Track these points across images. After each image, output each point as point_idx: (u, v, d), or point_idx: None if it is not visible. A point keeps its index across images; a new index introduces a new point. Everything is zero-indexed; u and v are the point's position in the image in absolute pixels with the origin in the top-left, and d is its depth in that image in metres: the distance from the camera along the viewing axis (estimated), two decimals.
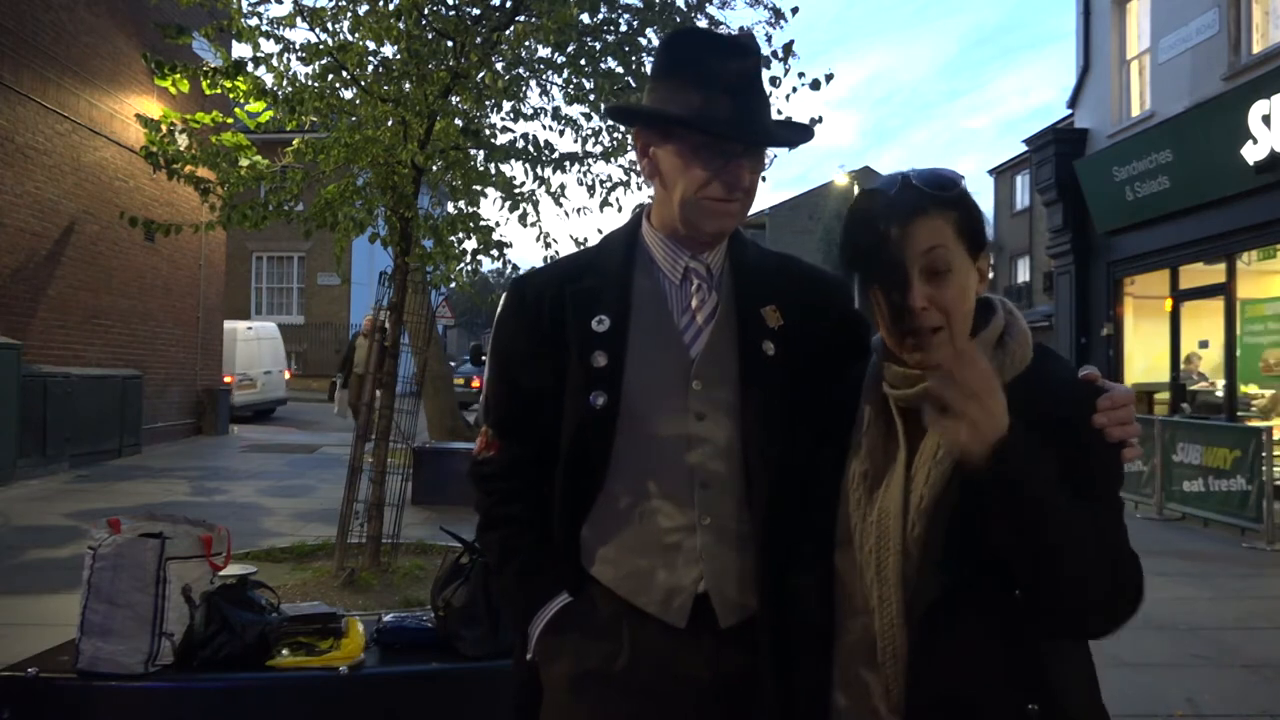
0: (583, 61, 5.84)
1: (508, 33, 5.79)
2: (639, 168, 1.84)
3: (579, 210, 6.43)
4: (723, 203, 1.51)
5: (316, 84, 5.75)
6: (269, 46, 5.77)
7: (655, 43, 5.97)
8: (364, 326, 14.22)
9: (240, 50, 7.22)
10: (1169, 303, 13.31)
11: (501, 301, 1.72)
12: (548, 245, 6.33)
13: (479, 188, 5.97)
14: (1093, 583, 1.24)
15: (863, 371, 1.48)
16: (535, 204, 5.99)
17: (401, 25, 5.58)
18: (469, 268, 6.24)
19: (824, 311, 1.60)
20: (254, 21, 5.79)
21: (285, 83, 5.81)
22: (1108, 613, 1.28)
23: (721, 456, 1.51)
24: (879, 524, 1.36)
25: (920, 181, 1.35)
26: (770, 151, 1.78)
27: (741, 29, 5.94)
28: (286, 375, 20.14)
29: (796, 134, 1.66)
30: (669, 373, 1.54)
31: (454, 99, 5.70)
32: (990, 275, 1.43)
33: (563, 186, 6.13)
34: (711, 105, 1.47)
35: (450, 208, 6.43)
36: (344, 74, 5.73)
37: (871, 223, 1.35)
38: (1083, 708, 1.33)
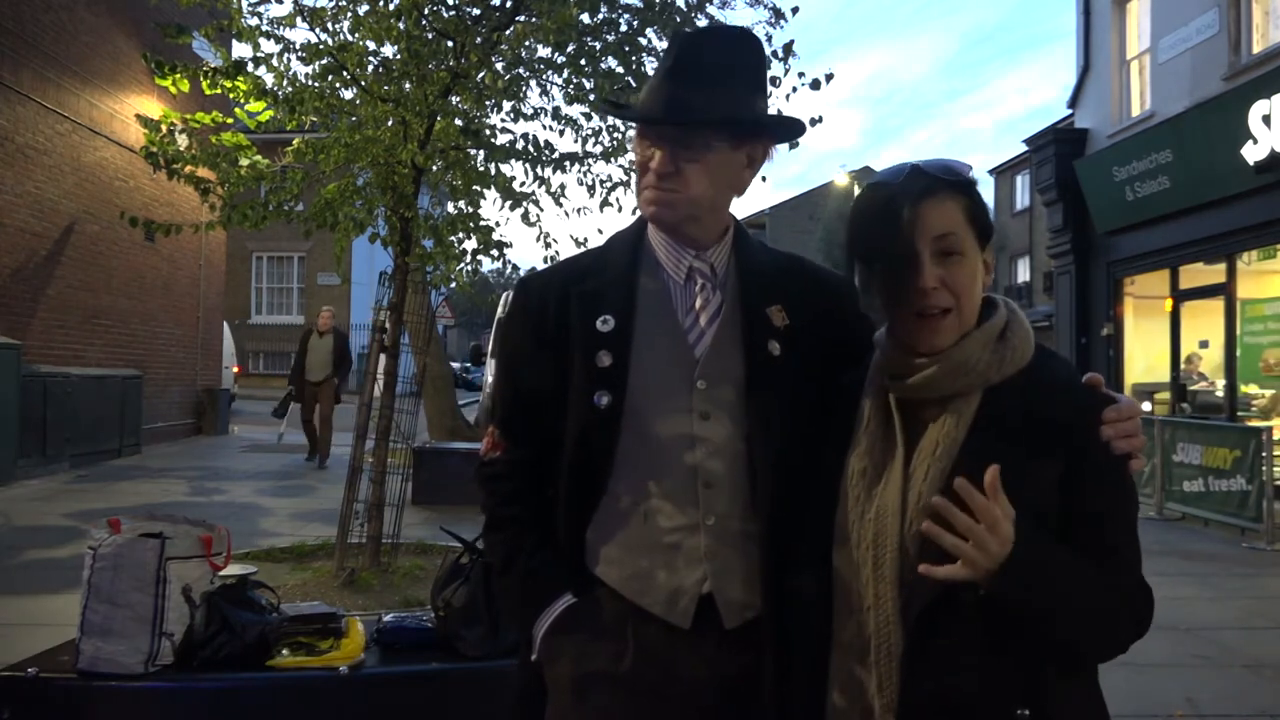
0: (583, 61, 5.84)
1: (508, 33, 5.79)
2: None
3: (579, 210, 6.43)
4: (647, 189, 1.52)
5: (316, 84, 5.75)
6: (269, 46, 5.78)
7: (655, 43, 5.97)
8: (320, 323, 11.86)
9: (240, 50, 7.24)
10: (1169, 303, 13.30)
11: (508, 302, 1.72)
12: (548, 245, 6.34)
13: (479, 188, 5.97)
14: (1084, 642, 1.30)
15: (866, 370, 1.47)
16: (536, 203, 5.99)
17: (401, 25, 5.58)
18: (469, 268, 6.24)
19: (830, 312, 1.59)
20: (254, 21, 5.79)
21: (285, 83, 5.81)
22: (1097, 656, 1.34)
23: (726, 456, 1.50)
24: (877, 521, 1.35)
25: (929, 168, 1.36)
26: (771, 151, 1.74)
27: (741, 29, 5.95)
28: (235, 370, 19.80)
29: (721, 110, 1.50)
30: (673, 372, 1.53)
31: (454, 99, 5.70)
32: (992, 273, 1.43)
33: (563, 186, 6.13)
34: (652, 92, 1.49)
35: (450, 208, 6.43)
36: (344, 74, 5.72)
37: (882, 207, 1.35)
38: (1077, 714, 1.32)
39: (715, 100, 1.50)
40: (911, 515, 1.33)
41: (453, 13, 5.82)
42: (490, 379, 13.54)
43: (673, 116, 1.50)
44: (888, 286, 1.36)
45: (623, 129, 6.14)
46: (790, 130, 1.65)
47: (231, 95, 5.88)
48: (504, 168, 5.97)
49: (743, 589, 1.48)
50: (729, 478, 1.50)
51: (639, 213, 1.65)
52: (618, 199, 6.31)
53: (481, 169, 5.95)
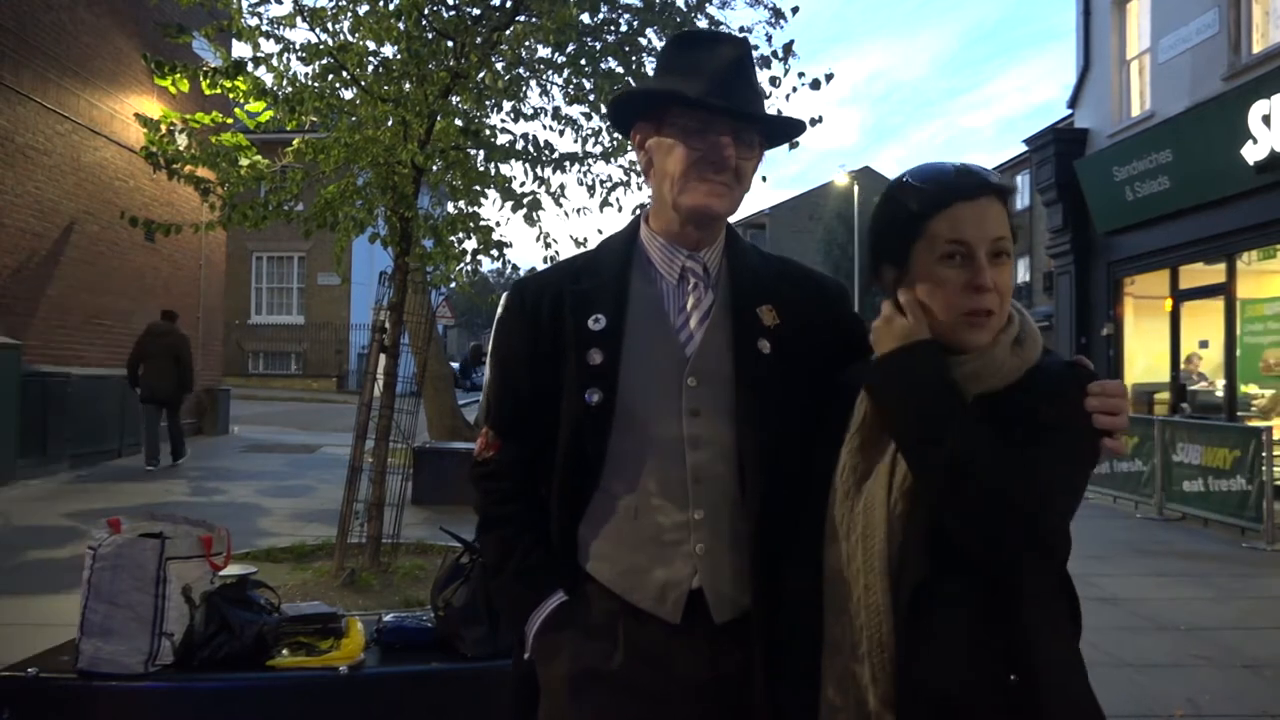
0: (583, 61, 5.84)
1: (508, 33, 5.79)
2: (638, 164, 1.85)
3: (579, 210, 6.43)
4: (709, 182, 1.52)
5: (316, 84, 5.75)
6: (269, 46, 5.79)
7: (655, 43, 5.97)
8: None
9: (240, 50, 7.23)
10: (1169, 303, 13.30)
11: (502, 303, 1.72)
12: (548, 245, 6.34)
13: (479, 188, 5.97)
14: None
15: (860, 370, 1.48)
16: (538, 206, 5.99)
17: (401, 25, 5.59)
18: (469, 268, 6.25)
19: (821, 313, 1.61)
20: (254, 21, 5.80)
21: (285, 83, 5.82)
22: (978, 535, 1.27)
23: (716, 453, 1.52)
24: (865, 511, 1.37)
25: (978, 171, 1.38)
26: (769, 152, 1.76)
27: (741, 29, 5.96)
28: None
29: (784, 120, 1.64)
30: (664, 370, 1.54)
31: (454, 99, 5.70)
32: None
33: (563, 187, 6.14)
34: (694, 84, 1.50)
35: (450, 208, 6.44)
36: (344, 74, 5.73)
37: (930, 201, 1.35)
38: (1064, 684, 1.33)
39: (761, 102, 1.58)
40: (896, 496, 1.34)
41: (453, 13, 5.83)
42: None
43: (760, 112, 1.55)
44: (938, 282, 1.36)
45: None
46: (796, 133, 1.68)
47: (231, 95, 5.88)
48: (504, 168, 5.98)
49: (733, 584, 1.50)
50: (719, 475, 1.52)
51: (637, 211, 1.66)
52: (618, 199, 6.32)
53: (481, 169, 5.95)
